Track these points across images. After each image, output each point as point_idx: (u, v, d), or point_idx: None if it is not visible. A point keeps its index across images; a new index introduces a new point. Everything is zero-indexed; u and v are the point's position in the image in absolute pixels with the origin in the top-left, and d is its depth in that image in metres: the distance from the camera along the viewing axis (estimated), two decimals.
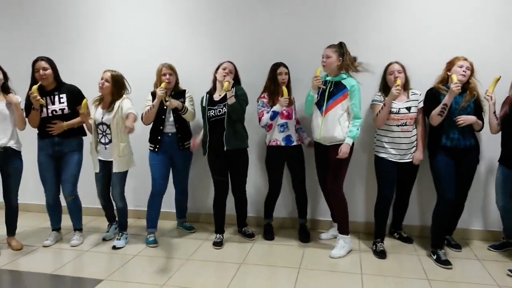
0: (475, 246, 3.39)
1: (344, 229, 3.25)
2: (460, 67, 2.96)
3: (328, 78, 3.17)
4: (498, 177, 3.07)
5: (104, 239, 3.59)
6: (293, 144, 3.40)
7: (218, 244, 3.40)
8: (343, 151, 3.06)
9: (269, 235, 3.57)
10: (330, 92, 3.14)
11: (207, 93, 3.38)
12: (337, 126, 3.11)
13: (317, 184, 3.51)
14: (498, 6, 3.29)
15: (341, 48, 3.12)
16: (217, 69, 3.31)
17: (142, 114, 3.32)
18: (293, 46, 3.62)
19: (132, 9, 3.97)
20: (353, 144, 3.13)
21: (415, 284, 2.76)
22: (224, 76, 3.21)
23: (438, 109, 2.92)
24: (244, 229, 3.65)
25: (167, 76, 3.35)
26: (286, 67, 3.35)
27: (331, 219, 3.63)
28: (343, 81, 3.12)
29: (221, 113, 3.27)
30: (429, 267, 2.99)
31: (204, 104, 3.31)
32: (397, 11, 3.48)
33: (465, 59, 2.99)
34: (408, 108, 3.10)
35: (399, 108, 3.09)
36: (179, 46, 3.87)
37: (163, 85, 3.20)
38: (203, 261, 3.14)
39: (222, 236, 3.48)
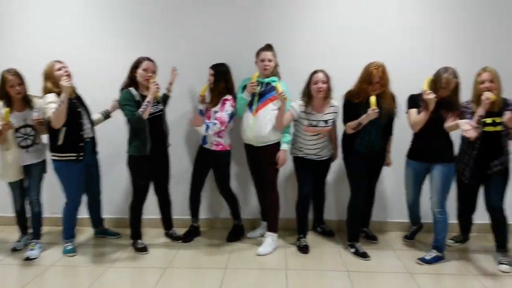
0: (391, 237, 3.64)
1: (274, 227, 3.34)
2: (377, 81, 2.97)
3: (259, 79, 3.23)
4: (410, 172, 3.27)
5: (14, 249, 3.30)
6: (205, 146, 3.36)
7: (142, 249, 3.29)
8: (282, 158, 3.22)
9: (186, 237, 3.52)
10: (261, 92, 3.21)
11: (133, 88, 3.14)
12: (269, 125, 3.18)
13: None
14: (417, 15, 3.55)
15: (274, 50, 3.23)
16: (135, 67, 3.13)
17: (49, 117, 2.97)
18: (220, 46, 3.61)
19: (48, 6, 3.68)
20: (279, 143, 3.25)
21: (335, 276, 2.89)
22: (148, 79, 3.08)
23: (353, 124, 3.03)
24: (171, 232, 3.57)
25: (64, 69, 3.05)
26: (213, 69, 3.31)
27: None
28: (273, 84, 3.19)
29: (158, 109, 3.21)
30: (348, 259, 3.16)
31: (138, 99, 3.09)
32: (321, 16, 3.60)
33: (377, 68, 2.96)
34: (326, 121, 3.20)
35: (318, 121, 3.19)
36: (98, 45, 3.69)
37: (65, 77, 2.92)
38: (126, 268, 3.02)
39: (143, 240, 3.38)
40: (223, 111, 3.23)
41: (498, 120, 2.89)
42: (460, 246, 3.42)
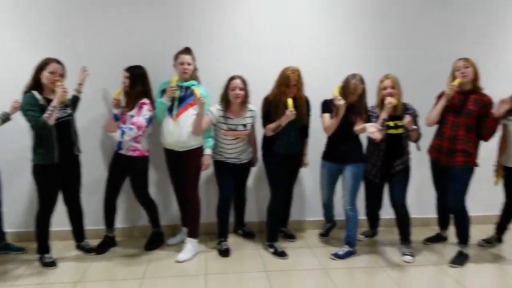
0: (308, 235, 3.78)
1: (194, 233, 3.30)
2: (293, 84, 3.08)
3: (179, 83, 3.16)
4: (324, 173, 3.43)
5: None
6: (121, 152, 3.22)
7: (50, 264, 3.05)
8: (205, 164, 3.22)
9: (100, 248, 3.34)
10: (181, 96, 3.15)
11: (36, 92, 2.88)
12: (190, 130, 3.14)
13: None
14: (331, 25, 3.72)
15: (193, 53, 3.19)
16: (41, 68, 2.88)
17: None
18: (136, 47, 3.47)
19: None
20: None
21: (254, 277, 2.94)
22: (54, 82, 2.86)
23: (272, 126, 3.13)
24: (83, 244, 3.35)
25: None
26: (128, 71, 3.17)
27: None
28: (193, 87, 3.15)
29: (67, 114, 3.00)
30: (267, 259, 3.22)
31: (42, 103, 2.85)
32: (241, 21, 3.62)
33: (293, 72, 3.08)
34: (245, 125, 3.25)
35: (236, 125, 3.23)
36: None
37: None
38: (31, 285, 2.78)
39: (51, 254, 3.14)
40: (140, 115, 3.11)
41: (399, 123, 3.15)
42: (369, 240, 3.66)
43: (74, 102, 3.23)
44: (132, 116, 3.14)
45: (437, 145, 3.21)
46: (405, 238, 3.30)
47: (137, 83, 3.17)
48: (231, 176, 3.35)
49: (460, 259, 3.16)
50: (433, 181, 3.42)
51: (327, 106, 3.24)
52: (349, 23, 3.75)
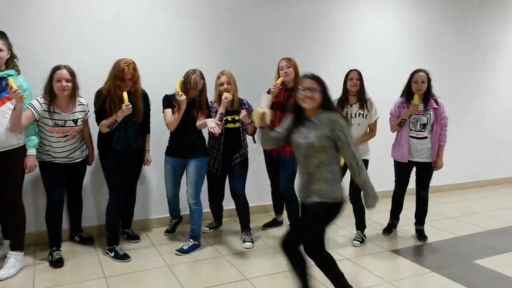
0: (153, 233, 3.71)
1: (19, 245, 2.91)
2: (129, 78, 2.97)
3: None
4: (168, 169, 3.39)
5: None
6: None
7: None
8: (29, 165, 2.88)
9: None
10: None
11: None
12: (7, 128, 2.74)
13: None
14: (166, 19, 3.69)
15: (7, 38, 2.77)
16: None
17: None
18: None
19: None
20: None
21: (92, 286, 2.74)
22: None
23: (107, 122, 2.97)
24: None
25: None
26: None
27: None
28: (9, 78, 2.72)
29: None
30: (108, 264, 3.04)
31: None
32: (70, 3, 3.35)
33: (128, 65, 2.96)
34: (75, 121, 2.98)
35: (65, 121, 2.94)
36: None
37: None
38: None
39: None
40: None
41: (236, 117, 3.32)
42: (214, 232, 3.79)
43: None
44: None
45: None
46: (245, 226, 3.51)
47: None
48: (62, 177, 3.05)
49: None
50: (267, 170, 3.71)
51: (169, 101, 3.22)
52: (188, 19, 3.79)
